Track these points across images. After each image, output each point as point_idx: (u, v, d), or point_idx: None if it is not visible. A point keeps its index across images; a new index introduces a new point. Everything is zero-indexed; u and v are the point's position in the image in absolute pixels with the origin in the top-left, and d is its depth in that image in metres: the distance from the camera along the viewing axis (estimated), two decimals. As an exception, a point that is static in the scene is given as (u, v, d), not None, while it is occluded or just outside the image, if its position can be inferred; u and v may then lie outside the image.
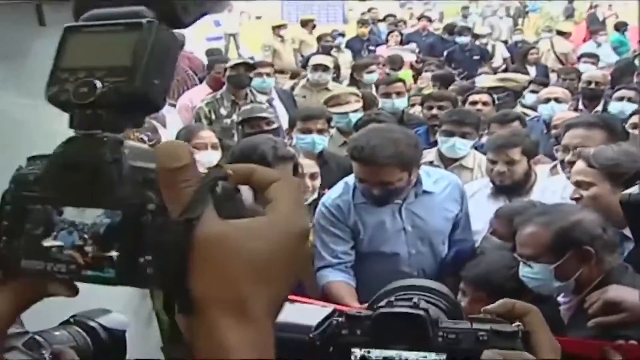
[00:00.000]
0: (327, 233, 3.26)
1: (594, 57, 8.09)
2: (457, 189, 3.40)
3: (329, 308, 1.06)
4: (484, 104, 5.52)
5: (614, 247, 2.42)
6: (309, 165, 3.22)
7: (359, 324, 0.97)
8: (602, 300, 2.28)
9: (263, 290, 0.62)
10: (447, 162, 4.29)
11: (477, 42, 11.26)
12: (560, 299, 2.59)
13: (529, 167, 3.70)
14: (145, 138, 3.01)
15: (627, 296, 2.21)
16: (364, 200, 3.24)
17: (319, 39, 10.75)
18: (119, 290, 0.62)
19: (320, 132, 4.36)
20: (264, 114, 4.82)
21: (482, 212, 3.49)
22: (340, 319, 0.99)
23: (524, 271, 2.54)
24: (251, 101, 5.76)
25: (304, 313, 1.06)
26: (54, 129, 2.35)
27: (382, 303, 0.99)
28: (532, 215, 2.60)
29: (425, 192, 3.28)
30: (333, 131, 4.90)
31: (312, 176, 3.30)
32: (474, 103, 5.53)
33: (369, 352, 0.97)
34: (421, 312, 0.95)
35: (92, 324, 1.17)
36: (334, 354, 0.99)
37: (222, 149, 4.40)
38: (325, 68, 6.90)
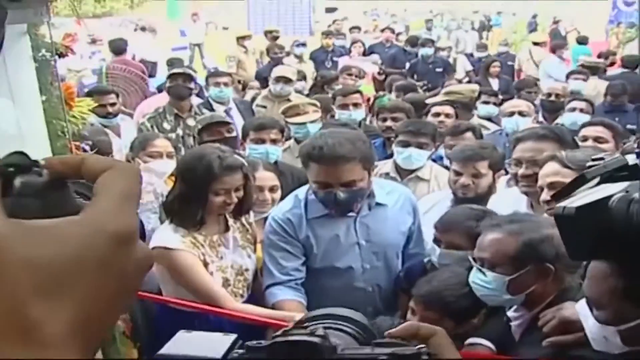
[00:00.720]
0: (276, 249, 3.16)
1: (584, 74, 8.12)
2: (409, 202, 3.35)
3: (232, 335, 0.99)
4: (447, 115, 5.47)
5: (576, 267, 2.34)
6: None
7: (257, 354, 0.92)
8: (558, 319, 2.23)
9: (58, 307, 0.50)
10: (404, 173, 4.22)
11: (440, 55, 11.31)
12: (510, 313, 2.52)
13: (494, 181, 3.64)
14: (87, 147, 2.93)
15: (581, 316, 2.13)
16: (318, 214, 3.16)
17: (267, 50, 10.66)
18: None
19: (273, 142, 4.28)
20: (225, 120, 4.77)
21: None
22: (240, 351, 0.94)
23: (476, 277, 2.47)
24: (195, 113, 5.65)
25: (205, 344, 1.00)
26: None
27: (279, 332, 0.94)
28: (502, 221, 2.53)
29: (378, 204, 3.21)
30: (291, 142, 4.87)
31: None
32: (437, 115, 5.49)
33: None
34: (314, 339, 0.90)
35: None
36: None
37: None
38: (287, 80, 6.85)
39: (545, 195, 2.85)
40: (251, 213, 3.37)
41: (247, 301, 3.16)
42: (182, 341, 1.01)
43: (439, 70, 10.52)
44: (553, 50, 11.94)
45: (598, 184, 1.42)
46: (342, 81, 7.68)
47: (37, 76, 2.59)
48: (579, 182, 1.48)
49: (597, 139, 4.49)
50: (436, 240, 3.04)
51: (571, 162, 2.80)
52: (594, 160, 1.50)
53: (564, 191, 1.49)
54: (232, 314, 2.90)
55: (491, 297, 2.46)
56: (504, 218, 2.62)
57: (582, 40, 14.08)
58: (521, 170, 3.23)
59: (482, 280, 2.45)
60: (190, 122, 5.45)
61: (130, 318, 3.11)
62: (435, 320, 2.53)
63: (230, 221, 3.24)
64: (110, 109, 5.40)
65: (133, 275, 0.57)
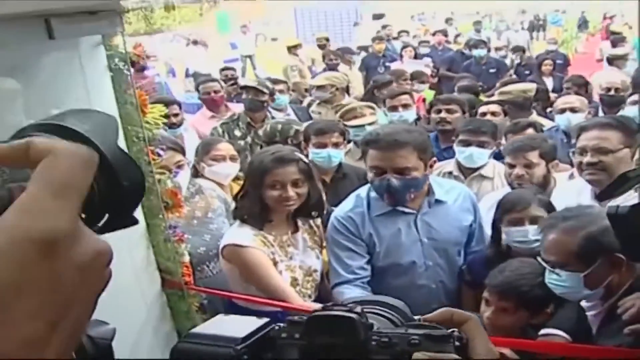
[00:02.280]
0: (341, 248, 3.20)
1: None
2: (469, 199, 3.37)
3: (264, 319, 1.02)
4: (493, 114, 5.43)
5: None
6: (290, 173, 3.16)
7: (296, 327, 0.96)
8: (638, 306, 2.21)
9: None
10: (467, 172, 4.24)
11: (494, 55, 11.25)
12: (584, 304, 2.52)
13: (548, 171, 3.67)
14: (161, 152, 3.03)
15: None
16: (380, 211, 3.19)
17: (324, 57, 10.78)
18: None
19: (335, 145, 4.32)
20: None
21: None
22: (282, 325, 0.98)
23: (551, 278, 2.46)
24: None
25: (234, 324, 1.03)
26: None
27: (319, 307, 0.97)
28: (557, 220, 2.52)
29: (438, 201, 3.24)
30: (350, 145, 4.89)
31: (294, 183, 3.15)
32: (484, 114, 5.46)
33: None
34: (352, 315, 0.93)
35: None
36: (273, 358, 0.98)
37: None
38: (319, 87, 6.92)
39: (590, 158, 2.89)
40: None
41: (315, 302, 3.18)
42: (216, 322, 1.05)
43: (492, 70, 10.45)
44: (614, 45, 11.79)
45: None
46: (397, 86, 7.69)
47: (113, 84, 2.70)
48: (621, 181, 1.46)
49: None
50: (517, 221, 3.08)
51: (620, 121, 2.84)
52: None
53: (607, 190, 1.46)
54: (302, 308, 2.92)
55: (571, 294, 2.46)
56: (558, 215, 2.61)
57: None
58: (586, 159, 3.22)
59: (557, 280, 2.45)
60: (262, 132, 5.54)
61: None
62: (510, 310, 2.57)
63: (300, 223, 3.29)
64: (174, 119, 5.50)
65: (78, 280, 0.49)
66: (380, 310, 1.08)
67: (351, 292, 3.09)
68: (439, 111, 5.19)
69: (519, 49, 11.97)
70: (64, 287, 0.48)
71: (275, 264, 3.11)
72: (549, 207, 3.06)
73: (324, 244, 3.38)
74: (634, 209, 1.31)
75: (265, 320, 1.02)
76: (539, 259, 2.56)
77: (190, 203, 3.78)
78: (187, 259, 3.23)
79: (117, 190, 0.72)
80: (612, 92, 6.28)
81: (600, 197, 1.44)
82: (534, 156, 3.62)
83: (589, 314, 2.50)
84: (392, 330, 0.96)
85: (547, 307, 2.61)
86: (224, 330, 1.00)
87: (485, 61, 10.64)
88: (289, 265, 3.16)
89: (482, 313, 2.63)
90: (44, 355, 0.46)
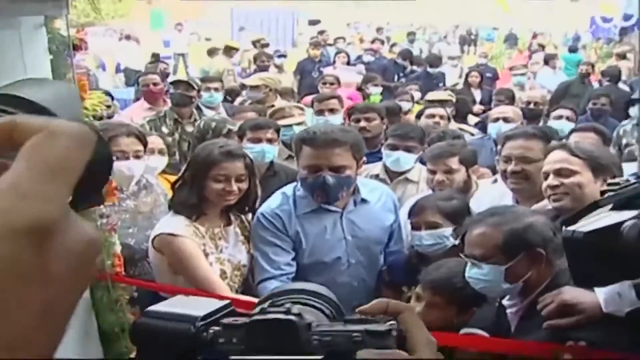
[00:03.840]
0: (267, 244, 3.22)
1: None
2: (390, 199, 3.47)
3: (225, 301, 1.04)
4: (441, 117, 5.63)
5: (562, 251, 2.45)
6: (237, 168, 3.18)
7: (234, 332, 0.96)
8: (557, 302, 2.29)
9: None
10: (393, 175, 4.32)
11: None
12: (505, 302, 2.60)
13: (468, 176, 3.78)
14: None
15: (582, 298, 2.22)
16: (306, 209, 3.24)
17: (255, 58, 10.84)
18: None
19: (269, 141, 4.35)
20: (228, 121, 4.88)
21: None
22: (217, 328, 0.98)
23: (472, 272, 2.53)
24: (195, 120, 5.70)
25: (195, 304, 1.04)
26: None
27: (256, 310, 0.98)
28: (483, 216, 2.61)
29: (363, 200, 3.31)
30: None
31: (238, 179, 3.18)
32: (432, 116, 5.64)
33: None
34: (291, 317, 0.94)
35: None
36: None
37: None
38: (252, 87, 6.96)
39: (552, 180, 2.91)
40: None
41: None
42: (176, 300, 1.07)
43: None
44: (546, 62, 12.25)
45: (612, 209, 1.43)
46: (321, 90, 7.79)
47: (52, 67, 2.66)
48: (590, 208, 1.49)
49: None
50: (415, 227, 3.18)
51: (579, 150, 2.90)
52: (609, 185, 1.54)
53: (575, 216, 1.50)
54: (230, 298, 2.92)
55: (490, 288, 2.53)
56: (485, 213, 2.70)
57: (573, 49, 14.88)
58: (510, 167, 3.33)
59: (478, 274, 2.51)
60: (189, 128, 5.53)
61: None
62: (440, 306, 2.67)
63: (232, 217, 3.32)
64: (106, 111, 5.44)
65: (69, 271, 0.46)
66: (310, 300, 1.10)
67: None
68: (358, 120, 5.15)
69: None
70: (54, 279, 0.44)
71: (205, 255, 3.12)
72: (454, 213, 3.14)
73: None
74: (589, 235, 1.34)
75: (227, 301, 1.04)
76: (461, 254, 2.63)
77: (137, 198, 3.75)
78: (118, 249, 3.20)
79: (90, 165, 0.71)
80: (531, 106, 6.55)
81: (566, 223, 1.47)
82: (453, 162, 3.71)
83: (509, 311, 2.57)
84: (332, 327, 0.96)
85: (473, 306, 2.71)
86: (184, 308, 1.01)
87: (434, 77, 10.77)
88: (218, 257, 3.17)
89: None
90: (32, 349, 0.43)
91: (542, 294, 2.40)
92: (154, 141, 4.37)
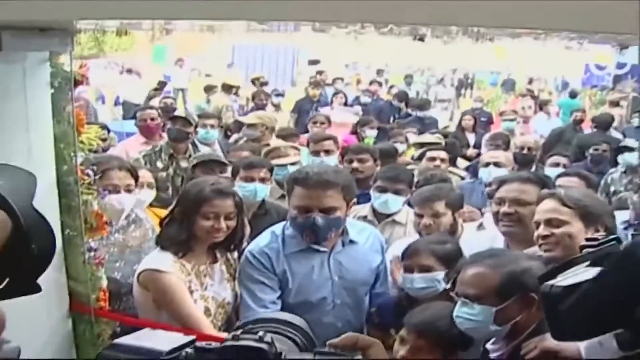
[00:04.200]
0: (253, 281, 3.23)
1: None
2: (378, 241, 3.52)
3: (190, 337, 1.06)
4: (442, 160, 5.72)
5: None
6: (227, 206, 3.23)
7: (207, 355, 1.00)
8: (540, 348, 2.31)
9: None
10: (380, 217, 4.37)
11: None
12: (489, 345, 2.61)
13: (454, 220, 3.82)
14: (91, 172, 3.05)
15: (564, 345, 2.22)
16: (295, 249, 3.27)
17: (253, 96, 11.00)
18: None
19: (262, 180, 4.42)
20: (220, 159, 5.00)
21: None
22: (189, 351, 1.01)
23: (461, 311, 2.55)
24: (190, 155, 5.80)
25: (160, 339, 1.05)
26: (8, 151, 2.43)
27: (229, 336, 1.02)
28: (481, 257, 2.63)
29: (351, 241, 3.36)
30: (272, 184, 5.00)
31: (228, 217, 3.22)
32: (433, 159, 5.72)
33: None
34: (262, 346, 0.98)
35: None
36: None
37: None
38: (249, 125, 7.04)
39: (542, 230, 2.93)
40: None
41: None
42: (142, 335, 1.10)
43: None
44: (540, 108, 12.41)
45: (590, 265, 1.43)
46: (311, 129, 7.90)
47: (52, 101, 2.74)
48: (568, 264, 1.54)
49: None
50: (407, 270, 3.20)
51: (569, 200, 2.92)
52: (587, 240, 1.58)
53: (553, 271, 1.54)
54: (216, 338, 2.97)
55: (478, 329, 2.54)
56: (482, 254, 2.73)
57: (573, 94, 15.22)
58: (503, 209, 3.35)
59: (468, 314, 2.53)
60: (184, 163, 5.63)
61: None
62: (425, 350, 2.65)
63: (218, 254, 3.34)
64: (102, 144, 5.51)
65: None
66: (284, 330, 1.16)
67: None
68: (351, 161, 5.21)
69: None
70: None
71: (190, 292, 3.13)
72: (448, 257, 3.16)
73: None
74: (567, 290, 1.34)
75: (192, 337, 1.07)
76: (452, 293, 2.68)
77: (126, 232, 3.78)
78: (104, 283, 3.21)
79: (24, 254, 0.74)
80: (525, 151, 6.63)
81: (543, 278, 1.49)
82: (440, 206, 3.75)
83: (492, 355, 2.58)
84: (301, 358, 1.03)
85: (458, 349, 2.70)
86: (150, 342, 1.04)
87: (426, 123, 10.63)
88: (203, 295, 3.19)
89: (396, 352, 2.69)
90: None
91: (527, 339, 2.42)
92: (144, 175, 4.40)
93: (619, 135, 9.47)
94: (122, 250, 3.68)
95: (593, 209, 2.94)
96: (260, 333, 1.01)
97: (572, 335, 1.52)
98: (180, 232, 3.19)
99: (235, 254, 3.45)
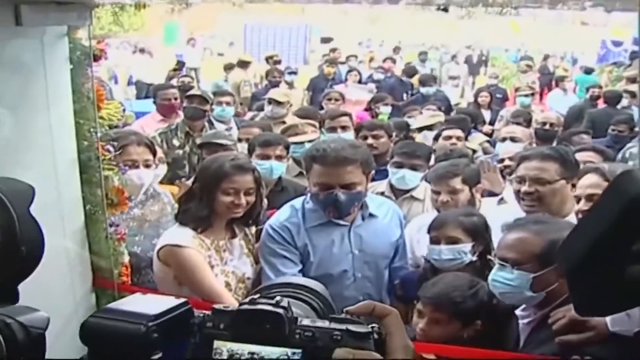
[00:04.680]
0: (275, 255, 3.24)
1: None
2: (397, 215, 3.51)
3: (182, 299, 1.05)
4: (458, 138, 5.69)
5: None
6: (247, 181, 3.24)
7: (222, 318, 1.00)
8: (569, 318, 2.31)
9: None
10: (398, 193, 4.37)
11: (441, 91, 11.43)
12: (519, 312, 2.62)
13: (472, 196, 3.81)
14: (111, 148, 3.05)
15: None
16: (315, 222, 3.27)
17: (266, 74, 10.99)
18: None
19: (278, 158, 4.43)
20: (223, 141, 4.96)
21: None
22: (207, 313, 1.01)
23: (498, 275, 2.55)
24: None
25: (149, 302, 1.04)
26: (29, 127, 2.43)
27: (246, 300, 1.02)
28: (525, 222, 2.63)
29: (371, 215, 3.36)
30: (289, 161, 4.99)
31: (247, 192, 3.23)
32: (448, 138, 5.72)
33: (231, 349, 0.99)
34: (279, 310, 0.99)
35: (9, 321, 1.06)
36: (197, 344, 1.01)
37: (172, 180, 4.49)
38: (278, 102, 7.02)
39: (583, 205, 2.93)
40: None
41: None
42: (132, 299, 1.08)
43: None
44: (557, 84, 12.30)
45: None
46: (325, 106, 7.87)
47: (71, 77, 2.74)
48: None
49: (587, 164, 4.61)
50: (434, 241, 3.22)
51: (612, 175, 2.86)
52: None
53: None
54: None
55: (513, 294, 2.55)
56: (528, 219, 2.73)
57: (588, 70, 15.07)
58: (524, 188, 3.34)
59: (505, 278, 2.54)
60: (200, 141, 5.61)
61: None
62: (443, 322, 2.67)
63: (237, 229, 3.35)
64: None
65: None
66: (301, 294, 1.15)
67: None
68: (365, 137, 5.25)
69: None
70: None
71: (211, 267, 3.14)
72: (475, 229, 3.18)
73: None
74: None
75: (182, 300, 1.06)
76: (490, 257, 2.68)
77: (144, 206, 3.80)
78: (126, 259, 3.23)
79: (12, 256, 0.74)
80: (547, 127, 6.64)
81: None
82: (457, 182, 3.74)
83: (521, 322, 2.59)
84: (315, 324, 1.00)
85: (477, 319, 2.69)
86: (138, 307, 1.02)
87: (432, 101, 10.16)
88: (223, 269, 3.20)
89: (415, 325, 2.72)
90: None
91: (556, 308, 2.42)
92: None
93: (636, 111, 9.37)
94: (141, 224, 3.71)
95: None
96: (278, 298, 1.01)
97: (599, 310, 1.47)
98: (200, 208, 3.20)
99: (253, 229, 3.45)
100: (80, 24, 2.66)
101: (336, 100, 8.06)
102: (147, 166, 3.82)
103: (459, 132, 5.87)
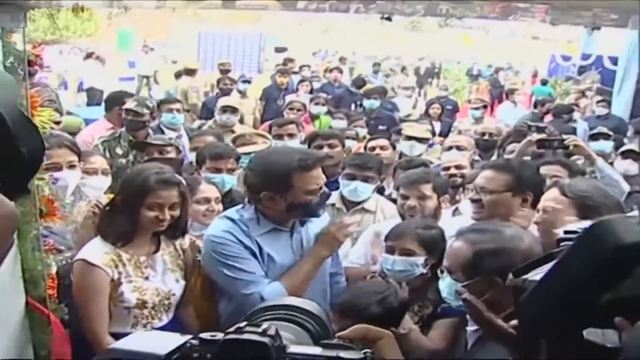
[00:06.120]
0: (238, 261, 3.06)
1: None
2: (325, 219, 3.43)
3: (188, 336, 1.03)
4: (382, 148, 5.64)
5: None
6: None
7: (209, 347, 0.98)
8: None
9: None
10: (350, 205, 4.34)
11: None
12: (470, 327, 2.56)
13: (439, 204, 3.82)
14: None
15: None
16: (261, 231, 3.14)
17: (218, 81, 10.92)
18: None
19: (229, 171, 4.36)
20: (157, 141, 4.93)
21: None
22: (194, 342, 0.99)
23: (439, 283, 2.58)
24: (149, 141, 5.68)
25: (156, 341, 1.03)
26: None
27: (232, 329, 1.00)
28: (466, 231, 2.58)
29: (308, 221, 3.28)
30: (240, 171, 4.91)
31: (172, 207, 3.11)
32: (373, 149, 5.65)
33: None
34: (265, 339, 0.96)
35: None
36: None
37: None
38: (233, 110, 6.98)
39: (536, 217, 2.98)
40: (186, 238, 3.35)
41: (168, 325, 3.11)
42: (137, 337, 1.05)
43: (381, 127, 10.12)
44: (507, 96, 12.51)
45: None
46: (287, 115, 7.82)
47: (3, 82, 2.60)
48: (547, 259, 1.48)
49: (554, 177, 4.64)
50: (389, 251, 3.19)
51: (571, 191, 2.94)
52: (566, 233, 1.53)
53: (527, 267, 1.49)
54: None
55: (449, 302, 2.56)
56: (471, 226, 2.71)
57: (544, 82, 15.88)
58: (470, 195, 3.40)
59: (442, 285, 2.55)
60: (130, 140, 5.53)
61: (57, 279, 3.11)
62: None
63: (163, 244, 3.22)
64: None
65: None
66: (293, 316, 1.12)
67: (272, 286, 3.02)
68: (321, 147, 5.16)
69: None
70: None
71: (119, 284, 3.01)
72: (432, 243, 3.14)
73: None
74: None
75: (188, 336, 1.02)
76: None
77: (72, 209, 3.70)
78: (53, 270, 3.12)
79: (13, 156, 0.70)
80: (486, 137, 6.69)
81: (516, 273, 1.41)
82: (427, 189, 3.77)
83: (469, 329, 2.53)
84: (305, 351, 0.98)
85: (384, 326, 2.65)
86: (146, 346, 0.99)
87: (374, 116, 9.69)
88: (138, 286, 3.05)
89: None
90: None
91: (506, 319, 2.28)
92: (97, 161, 4.37)
93: (583, 125, 9.54)
94: (70, 228, 3.57)
95: (593, 201, 2.91)
96: (265, 325, 0.99)
97: (536, 331, 1.44)
98: (122, 222, 3.07)
99: (186, 244, 3.32)
100: (14, 26, 2.54)
101: (298, 110, 7.99)
102: (72, 167, 3.78)
103: (382, 142, 5.78)
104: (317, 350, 0.97)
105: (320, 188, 3.13)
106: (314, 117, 8.66)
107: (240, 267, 3.08)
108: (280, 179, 3.08)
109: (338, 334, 1.04)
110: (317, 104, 8.87)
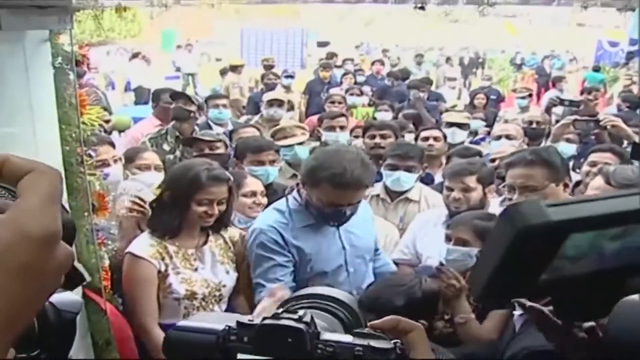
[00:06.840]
0: (264, 260, 3.15)
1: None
2: (367, 210, 3.51)
3: (247, 316, 1.08)
4: (435, 139, 5.63)
5: None
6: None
7: (246, 331, 1.01)
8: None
9: None
10: (393, 195, 4.35)
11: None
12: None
13: (484, 195, 3.78)
14: (93, 153, 3.05)
15: None
16: (304, 223, 3.19)
17: (262, 77, 11.08)
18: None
19: (271, 163, 4.42)
20: (206, 137, 4.99)
21: (439, 240, 3.47)
22: (232, 325, 1.03)
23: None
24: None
25: (214, 319, 1.09)
26: (17, 130, 2.39)
27: (270, 314, 1.03)
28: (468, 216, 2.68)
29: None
30: (282, 164, 4.95)
31: (220, 202, 3.19)
32: (426, 139, 5.63)
33: None
34: (300, 325, 1.00)
35: None
36: (221, 357, 1.03)
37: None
38: (280, 103, 7.04)
39: None
40: (236, 230, 3.42)
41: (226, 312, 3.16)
42: (199, 316, 1.16)
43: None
44: (554, 84, 12.31)
45: None
46: (328, 108, 7.88)
47: (55, 82, 2.70)
48: None
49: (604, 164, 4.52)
50: (447, 238, 3.23)
51: (615, 179, 2.92)
52: None
53: None
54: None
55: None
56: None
57: (596, 68, 15.72)
58: (515, 197, 3.25)
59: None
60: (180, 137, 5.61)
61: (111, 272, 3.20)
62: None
63: (211, 237, 3.28)
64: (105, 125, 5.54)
65: (53, 276, 0.59)
66: (327, 305, 1.16)
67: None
68: (373, 136, 5.23)
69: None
70: (46, 278, 0.58)
71: (166, 276, 3.08)
72: (488, 233, 3.05)
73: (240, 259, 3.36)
74: None
75: (248, 317, 1.07)
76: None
77: (115, 203, 3.72)
78: (106, 263, 3.20)
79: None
80: (533, 125, 6.58)
81: None
82: (471, 180, 3.72)
83: (515, 313, 2.57)
84: (338, 339, 1.01)
85: (420, 318, 2.67)
86: (207, 323, 1.06)
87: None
88: (187, 278, 3.12)
89: None
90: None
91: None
92: (149, 157, 4.46)
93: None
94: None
95: (637, 187, 2.88)
96: (301, 312, 1.02)
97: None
98: (172, 217, 3.14)
99: (236, 236, 3.38)
100: (62, 28, 2.62)
101: (339, 103, 8.07)
102: (115, 161, 3.94)
103: (436, 133, 5.69)
104: (348, 338, 1.00)
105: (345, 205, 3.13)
106: (349, 108, 8.68)
107: (265, 267, 3.15)
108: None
109: (370, 323, 1.07)
110: (352, 94, 8.97)
